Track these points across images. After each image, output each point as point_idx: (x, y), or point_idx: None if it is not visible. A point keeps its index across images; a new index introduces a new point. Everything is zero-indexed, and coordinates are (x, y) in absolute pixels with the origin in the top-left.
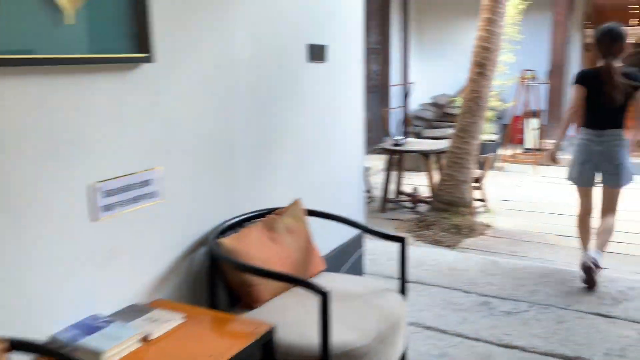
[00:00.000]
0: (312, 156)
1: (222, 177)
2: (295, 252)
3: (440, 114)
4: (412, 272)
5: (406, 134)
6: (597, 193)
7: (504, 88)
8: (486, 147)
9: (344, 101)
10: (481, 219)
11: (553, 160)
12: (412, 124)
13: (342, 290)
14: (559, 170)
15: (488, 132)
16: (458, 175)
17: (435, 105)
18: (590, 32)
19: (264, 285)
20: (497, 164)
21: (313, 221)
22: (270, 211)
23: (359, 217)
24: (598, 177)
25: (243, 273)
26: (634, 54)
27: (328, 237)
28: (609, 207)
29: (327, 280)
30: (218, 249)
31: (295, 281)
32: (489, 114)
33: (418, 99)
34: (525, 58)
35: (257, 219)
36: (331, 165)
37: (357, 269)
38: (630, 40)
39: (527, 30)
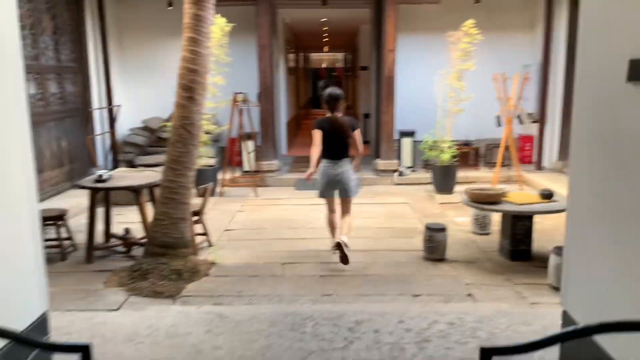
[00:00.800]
0: None
1: None
2: None
3: (153, 139)
4: (119, 351)
5: (116, 163)
6: (337, 201)
7: (217, 111)
8: (204, 175)
9: None
10: (205, 256)
11: (309, 179)
12: (122, 151)
13: None
14: (278, 191)
15: (205, 157)
16: (174, 212)
17: (147, 129)
18: (292, 56)
19: None
20: (218, 189)
21: None
22: None
23: (37, 295)
24: (337, 192)
25: None
26: (328, 77)
27: None
28: (346, 210)
29: None
30: None
31: None
32: (204, 138)
33: (127, 123)
34: (236, 80)
35: None
36: None
37: None
38: (324, 65)
39: (236, 52)
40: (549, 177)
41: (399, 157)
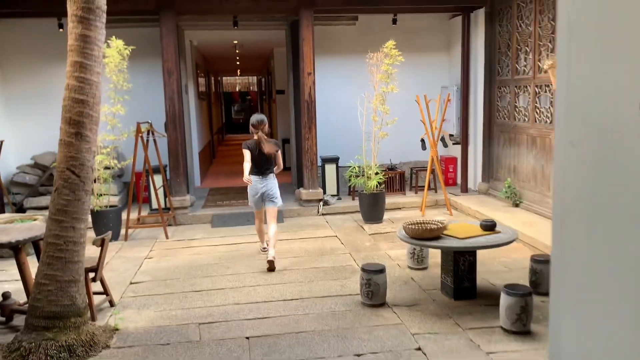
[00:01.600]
0: None
1: None
2: None
3: (46, 178)
4: None
5: (1, 207)
6: (265, 212)
7: (119, 144)
8: (105, 217)
9: None
10: (106, 320)
11: (248, 181)
12: (9, 192)
13: None
14: (192, 230)
15: (107, 195)
16: (61, 275)
17: (38, 166)
18: (203, 81)
19: None
20: (123, 232)
21: None
22: None
23: None
24: (265, 203)
25: None
26: (242, 102)
27: None
28: (272, 219)
29: None
30: None
31: None
32: (105, 174)
33: (14, 160)
34: (141, 109)
35: None
36: None
37: None
38: (237, 89)
39: (139, 78)
40: (477, 200)
41: (323, 185)
